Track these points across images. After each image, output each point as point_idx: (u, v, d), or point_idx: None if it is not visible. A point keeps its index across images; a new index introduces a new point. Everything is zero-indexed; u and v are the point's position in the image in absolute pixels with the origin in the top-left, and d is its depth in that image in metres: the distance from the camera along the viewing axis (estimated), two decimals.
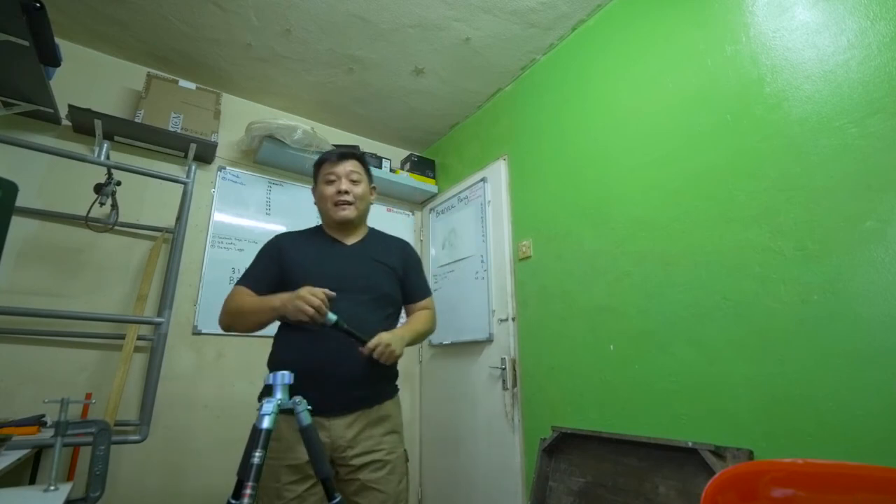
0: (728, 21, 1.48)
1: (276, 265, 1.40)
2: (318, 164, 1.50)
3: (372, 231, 1.56)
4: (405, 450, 1.39)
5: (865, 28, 1.17)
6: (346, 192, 1.44)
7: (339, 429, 1.26)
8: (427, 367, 2.70)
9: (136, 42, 2.18)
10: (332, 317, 1.18)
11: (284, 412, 1.05)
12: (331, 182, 1.45)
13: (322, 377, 1.25)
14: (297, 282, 1.30)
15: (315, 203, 1.52)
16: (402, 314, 1.53)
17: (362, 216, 1.51)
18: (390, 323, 1.43)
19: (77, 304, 1.93)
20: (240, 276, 1.42)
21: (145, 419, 1.81)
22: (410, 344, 1.41)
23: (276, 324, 1.38)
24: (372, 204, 1.56)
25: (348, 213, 1.44)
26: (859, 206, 1.12)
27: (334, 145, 2.55)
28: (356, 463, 1.26)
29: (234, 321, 1.34)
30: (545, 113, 2.17)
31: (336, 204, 1.43)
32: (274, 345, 1.39)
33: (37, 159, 1.94)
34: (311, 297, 1.16)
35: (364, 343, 1.24)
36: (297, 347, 1.30)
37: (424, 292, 1.57)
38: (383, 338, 1.26)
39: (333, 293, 1.20)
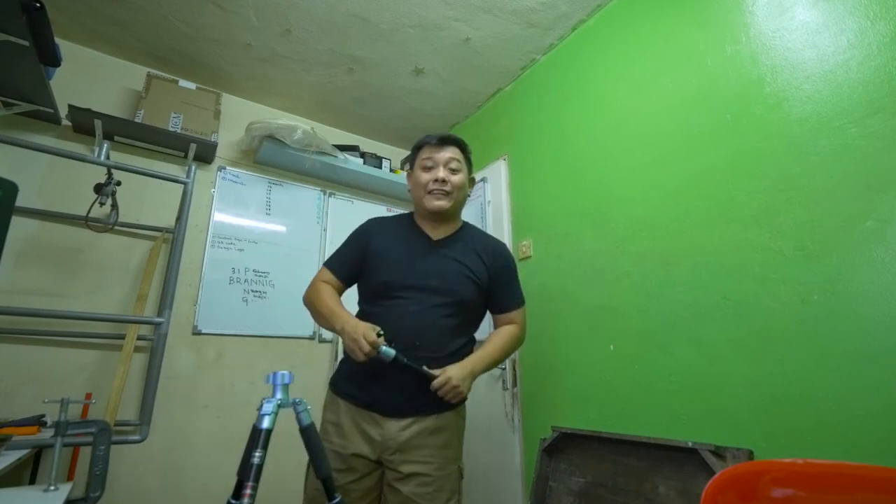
0: (728, 21, 1.48)
1: (361, 252, 1.38)
2: (418, 148, 1.42)
3: (465, 227, 1.46)
4: (460, 466, 1.30)
5: (865, 28, 1.17)
6: (444, 182, 1.35)
7: (392, 429, 1.22)
8: None
9: (136, 42, 2.18)
10: (390, 353, 1.16)
11: (349, 400, 1.22)
12: (428, 168, 1.37)
13: (383, 378, 1.23)
14: (372, 271, 1.34)
15: (409, 190, 1.46)
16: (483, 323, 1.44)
17: (457, 208, 1.42)
18: (460, 333, 1.33)
19: (77, 304, 1.93)
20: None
21: (145, 419, 1.81)
22: (489, 369, 1.36)
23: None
24: (468, 197, 1.47)
25: (443, 203, 1.35)
26: (859, 206, 1.12)
27: (334, 145, 2.55)
28: (404, 471, 1.20)
29: (310, 312, 1.37)
30: (545, 113, 2.17)
31: (430, 192, 1.36)
32: None
33: (37, 159, 1.94)
34: (364, 344, 1.14)
35: (428, 377, 1.20)
36: None
37: (514, 302, 1.43)
38: (451, 376, 1.20)
39: (385, 349, 1.17)
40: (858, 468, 0.86)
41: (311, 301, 1.36)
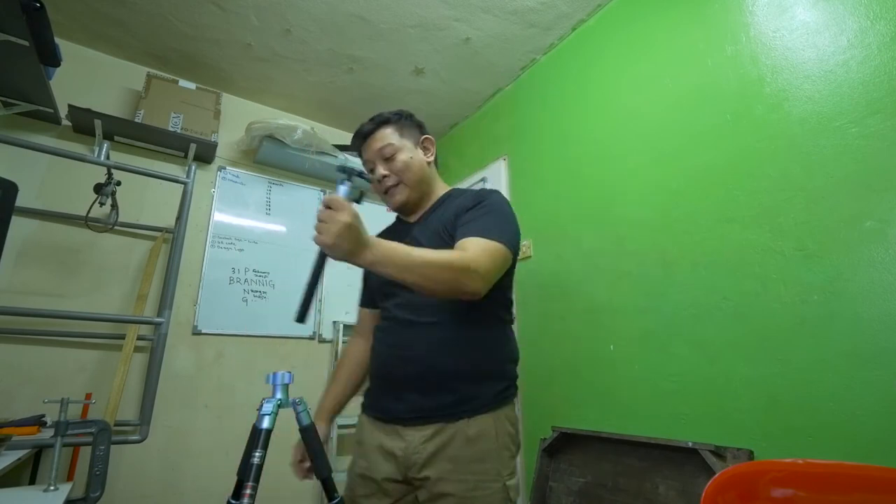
0: (728, 21, 1.48)
1: (365, 273, 1.34)
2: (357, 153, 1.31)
3: (448, 193, 1.25)
4: (506, 484, 0.99)
5: (865, 28, 1.17)
6: (386, 177, 1.21)
7: (416, 441, 1.01)
8: None
9: (136, 42, 2.18)
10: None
11: (369, 413, 1.13)
12: (371, 171, 1.25)
13: (390, 378, 1.10)
14: (367, 279, 1.33)
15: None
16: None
17: (418, 187, 1.22)
18: (463, 305, 1.00)
19: (77, 304, 1.93)
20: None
21: (145, 419, 1.81)
22: (395, 263, 0.88)
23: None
24: (431, 161, 1.26)
25: (400, 197, 1.22)
26: (859, 206, 1.12)
27: (334, 145, 2.55)
28: (433, 490, 0.99)
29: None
30: (545, 113, 2.17)
31: (384, 193, 1.25)
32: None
33: (37, 159, 1.94)
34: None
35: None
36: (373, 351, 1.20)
37: (473, 228, 1.03)
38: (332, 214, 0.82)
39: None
40: (858, 468, 0.86)
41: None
